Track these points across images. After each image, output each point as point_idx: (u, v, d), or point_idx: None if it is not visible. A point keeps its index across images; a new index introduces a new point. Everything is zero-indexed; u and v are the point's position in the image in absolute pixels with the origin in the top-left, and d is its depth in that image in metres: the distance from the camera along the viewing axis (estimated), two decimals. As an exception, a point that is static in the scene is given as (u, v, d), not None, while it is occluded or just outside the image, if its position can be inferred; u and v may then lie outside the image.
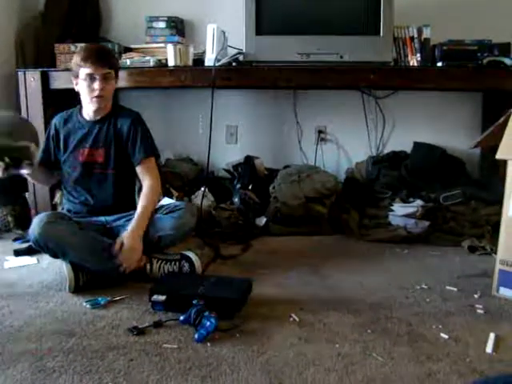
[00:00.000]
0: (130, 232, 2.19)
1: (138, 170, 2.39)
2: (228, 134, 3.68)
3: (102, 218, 2.37)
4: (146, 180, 2.36)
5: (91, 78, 2.28)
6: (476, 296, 2.08)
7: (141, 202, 2.29)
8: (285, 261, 2.55)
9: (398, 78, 2.91)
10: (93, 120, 2.40)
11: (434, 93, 3.32)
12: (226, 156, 3.57)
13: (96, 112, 2.38)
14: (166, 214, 2.35)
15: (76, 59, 2.32)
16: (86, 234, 2.21)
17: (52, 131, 2.45)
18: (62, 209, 2.55)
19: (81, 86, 2.33)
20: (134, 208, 2.31)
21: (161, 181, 2.46)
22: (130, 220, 2.29)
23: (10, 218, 3.02)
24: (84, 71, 2.28)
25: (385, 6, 2.84)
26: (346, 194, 3.18)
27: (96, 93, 2.29)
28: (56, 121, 2.46)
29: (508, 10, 3.22)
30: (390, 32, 2.90)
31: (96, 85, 2.28)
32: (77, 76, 2.32)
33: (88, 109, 2.38)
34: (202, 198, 2.93)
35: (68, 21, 3.42)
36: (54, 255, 2.20)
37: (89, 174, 2.39)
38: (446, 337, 1.74)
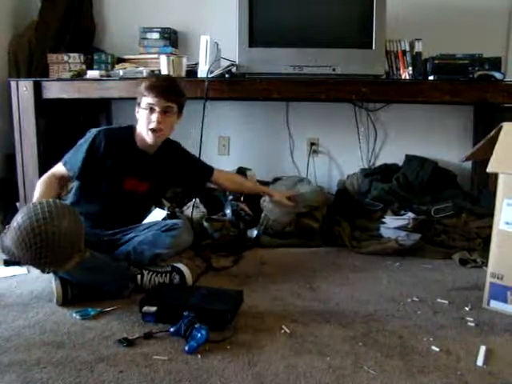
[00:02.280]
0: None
1: (214, 180, 2.68)
2: (220, 145, 3.69)
3: (98, 231, 2.34)
4: (226, 175, 2.78)
5: (151, 109, 2.26)
6: (467, 309, 2.09)
7: (247, 183, 2.87)
8: (276, 273, 2.54)
9: (390, 91, 2.92)
10: (146, 151, 2.38)
11: (425, 106, 3.35)
12: (217, 167, 3.55)
13: (151, 146, 2.36)
14: (164, 231, 2.34)
15: (141, 86, 2.29)
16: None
17: (94, 145, 2.30)
18: None
19: (141, 115, 2.30)
20: (136, 223, 2.40)
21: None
22: (126, 233, 2.35)
23: (0, 227, 3.00)
24: (146, 100, 2.26)
25: (377, 19, 2.87)
26: (337, 207, 3.19)
27: (152, 125, 2.26)
28: (100, 136, 2.32)
29: (498, 25, 3.27)
30: (382, 45, 2.93)
31: (154, 117, 2.25)
32: (139, 103, 2.30)
33: (143, 139, 2.34)
34: (193, 209, 2.92)
35: (61, 31, 3.42)
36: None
37: (123, 199, 2.38)
38: (437, 349, 1.74)
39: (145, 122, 2.28)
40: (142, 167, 2.38)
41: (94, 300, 2.11)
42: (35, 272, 2.47)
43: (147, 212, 2.54)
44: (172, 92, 2.30)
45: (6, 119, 3.17)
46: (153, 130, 2.27)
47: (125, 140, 2.36)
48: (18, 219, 1.89)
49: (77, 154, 2.31)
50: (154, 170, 2.41)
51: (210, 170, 2.66)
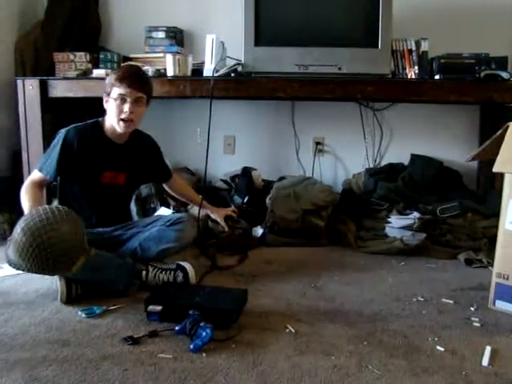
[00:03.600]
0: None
1: (168, 183, 2.74)
2: (226, 144, 3.69)
3: (100, 229, 2.36)
4: (180, 184, 2.81)
5: (123, 99, 2.26)
6: (472, 309, 2.08)
7: (195, 199, 2.80)
8: (281, 272, 2.55)
9: (395, 91, 2.92)
10: (117, 142, 2.38)
11: (431, 105, 3.34)
12: (223, 166, 3.58)
13: (122, 135, 2.37)
14: (169, 226, 2.36)
15: (111, 77, 2.30)
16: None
17: (66, 145, 2.29)
18: None
19: (110, 106, 2.30)
20: (129, 218, 2.46)
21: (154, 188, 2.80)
22: (128, 229, 2.37)
23: (6, 226, 3.01)
24: (116, 91, 2.26)
25: (383, 18, 2.86)
26: (342, 206, 3.18)
27: (124, 115, 2.27)
28: (70, 135, 2.31)
29: (505, 24, 3.25)
30: (388, 45, 2.92)
31: (126, 107, 2.26)
32: (108, 94, 2.30)
33: (113, 130, 2.35)
34: (200, 208, 2.92)
35: (68, 30, 3.43)
36: None
37: (103, 194, 2.38)
38: (442, 349, 1.74)
39: (116, 113, 2.28)
40: (116, 158, 2.39)
41: (99, 298, 2.12)
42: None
43: (129, 204, 2.65)
44: (143, 82, 2.32)
45: (12, 117, 3.19)
46: (124, 120, 2.28)
47: (95, 134, 2.36)
48: (18, 231, 1.89)
49: (50, 157, 2.30)
50: (127, 160, 2.41)
51: (169, 173, 2.73)
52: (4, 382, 1.52)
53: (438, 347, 1.75)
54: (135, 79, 2.28)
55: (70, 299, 2.11)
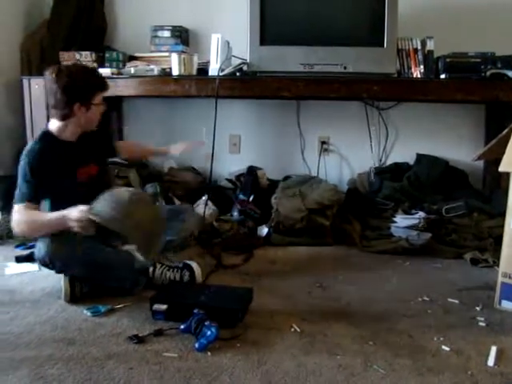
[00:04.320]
0: None
1: (120, 150, 2.65)
2: (231, 143, 3.69)
3: None
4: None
5: (98, 102, 2.27)
6: (478, 309, 2.07)
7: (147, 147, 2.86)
8: (287, 271, 2.55)
9: (401, 90, 2.91)
10: (73, 140, 2.32)
11: (437, 105, 3.33)
12: (228, 165, 3.58)
13: (77, 132, 2.33)
14: (170, 218, 2.35)
15: (91, 83, 2.24)
16: (95, 249, 2.18)
17: (35, 169, 2.19)
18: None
19: (94, 111, 2.27)
20: None
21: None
22: None
23: (11, 224, 3.01)
24: (100, 96, 2.26)
25: (389, 17, 2.85)
26: (348, 205, 3.18)
27: (97, 117, 2.31)
28: (34, 158, 2.21)
29: (511, 23, 3.24)
30: (393, 44, 2.91)
31: (102, 108, 2.31)
32: (88, 100, 2.23)
33: (74, 131, 2.29)
34: (205, 207, 2.93)
35: (73, 29, 3.44)
36: (62, 271, 2.15)
37: (84, 191, 2.30)
38: (448, 349, 1.74)
39: (97, 116, 2.31)
40: (80, 153, 2.32)
41: (104, 297, 2.13)
42: (46, 269, 2.48)
43: None
44: (107, 85, 2.33)
45: (18, 116, 3.20)
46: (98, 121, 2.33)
47: (51, 144, 2.27)
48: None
49: (29, 185, 2.18)
50: (88, 150, 2.35)
51: (117, 145, 2.68)
52: (10, 380, 1.53)
53: (444, 347, 1.75)
54: (107, 84, 2.32)
55: (74, 298, 2.11)
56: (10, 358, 1.66)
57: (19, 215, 2.15)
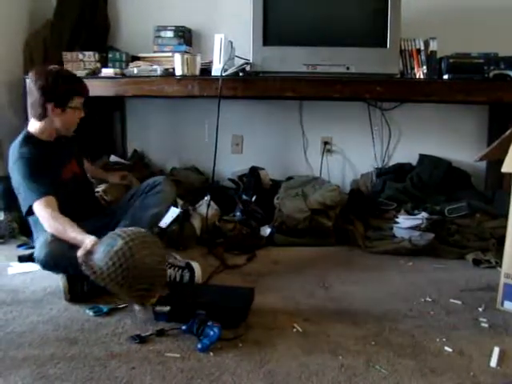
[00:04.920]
0: None
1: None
2: (234, 143, 3.69)
3: (91, 221, 2.33)
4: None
5: (79, 107, 2.33)
6: (480, 309, 2.07)
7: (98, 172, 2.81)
8: (289, 271, 2.54)
9: (404, 91, 2.91)
10: (52, 140, 2.38)
11: (440, 105, 3.33)
12: (231, 165, 3.58)
13: (54, 133, 2.38)
14: (148, 192, 2.43)
15: (69, 87, 2.28)
16: None
17: (33, 168, 2.22)
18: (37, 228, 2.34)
19: (70, 114, 2.31)
20: (102, 207, 2.54)
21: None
22: (114, 212, 2.48)
23: (14, 225, 3.02)
24: (78, 101, 2.31)
25: (392, 18, 2.85)
26: (350, 206, 3.17)
27: (78, 120, 2.35)
28: (26, 159, 2.23)
29: (515, 24, 3.24)
30: (396, 44, 2.91)
31: (80, 114, 2.35)
32: (65, 103, 2.28)
33: (50, 133, 2.35)
34: (208, 207, 2.93)
35: (76, 29, 3.44)
36: (63, 272, 2.15)
37: (70, 189, 2.38)
38: (450, 350, 1.74)
39: (73, 120, 2.35)
40: (61, 152, 2.39)
41: (106, 296, 2.12)
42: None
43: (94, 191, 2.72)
44: (87, 89, 2.38)
45: (21, 116, 3.20)
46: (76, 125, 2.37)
47: (35, 144, 2.30)
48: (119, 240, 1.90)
49: (38, 181, 2.19)
50: (67, 148, 2.43)
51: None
52: (13, 379, 1.53)
53: (446, 348, 1.75)
54: (87, 89, 2.36)
55: (74, 297, 2.11)
56: (12, 357, 1.67)
57: (45, 213, 2.13)
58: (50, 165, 2.29)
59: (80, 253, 1.96)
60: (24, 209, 2.24)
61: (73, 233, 2.07)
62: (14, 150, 2.28)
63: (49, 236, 2.13)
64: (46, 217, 2.13)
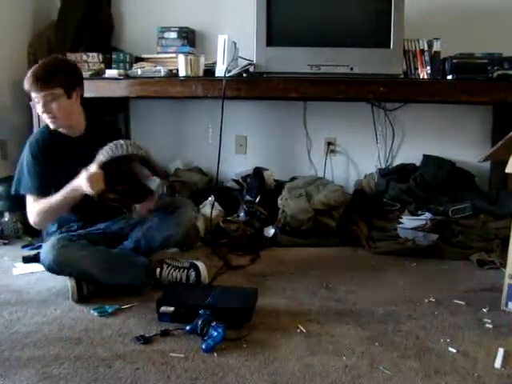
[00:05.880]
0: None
1: None
2: (237, 144, 3.69)
3: (102, 225, 2.35)
4: None
5: (37, 102, 2.18)
6: (485, 310, 2.07)
7: None
8: (293, 272, 2.54)
9: (407, 91, 2.91)
10: (73, 136, 2.31)
11: (443, 106, 3.32)
12: (234, 166, 3.58)
13: (72, 128, 2.30)
14: (168, 213, 2.34)
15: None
16: (100, 251, 2.20)
17: (35, 159, 2.23)
18: (47, 233, 2.39)
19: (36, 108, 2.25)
20: (122, 210, 2.40)
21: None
22: (129, 221, 2.37)
23: (19, 225, 3.04)
24: (32, 95, 2.19)
25: (395, 18, 2.85)
26: (354, 206, 3.18)
27: (44, 116, 2.21)
28: (37, 148, 2.25)
29: (519, 24, 3.23)
30: (400, 45, 2.91)
31: (39, 109, 2.19)
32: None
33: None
34: (212, 208, 2.94)
35: (80, 30, 3.45)
36: (68, 276, 2.16)
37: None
38: (454, 351, 1.73)
39: (41, 115, 2.24)
40: (81, 153, 2.20)
41: (111, 297, 2.14)
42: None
43: None
44: (44, 79, 2.14)
45: (25, 118, 3.21)
46: (49, 118, 2.21)
47: (51, 137, 2.28)
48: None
49: (34, 176, 2.21)
50: (90, 153, 2.16)
51: None
52: (18, 379, 1.54)
53: (450, 349, 1.74)
54: (34, 81, 2.14)
55: (81, 297, 2.12)
56: (17, 357, 1.67)
57: (31, 208, 2.21)
58: (63, 159, 2.26)
59: (87, 170, 2.01)
60: (16, 188, 2.27)
61: (54, 197, 2.11)
62: (32, 136, 2.31)
63: (56, 241, 2.13)
64: (29, 213, 2.21)
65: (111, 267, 2.17)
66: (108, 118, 2.40)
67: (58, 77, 2.17)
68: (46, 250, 2.13)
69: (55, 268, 2.13)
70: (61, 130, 2.28)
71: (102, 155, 2.03)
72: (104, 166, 2.02)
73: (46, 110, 2.18)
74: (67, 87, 2.20)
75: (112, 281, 2.17)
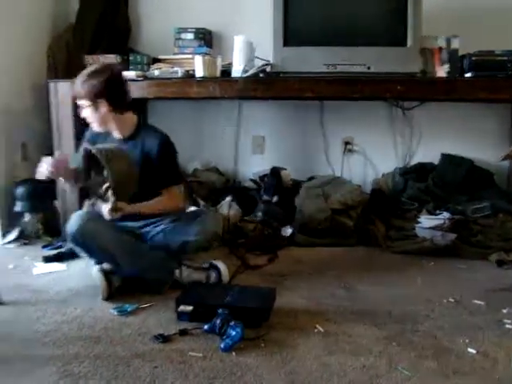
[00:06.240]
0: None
1: (164, 194, 2.37)
2: (254, 144, 3.70)
3: (130, 224, 2.39)
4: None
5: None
6: (504, 311, 2.04)
7: (156, 199, 2.33)
8: (310, 271, 2.55)
9: (425, 90, 2.89)
10: (120, 136, 2.40)
11: (462, 104, 3.29)
12: (252, 166, 3.59)
13: (121, 129, 2.38)
14: (191, 220, 2.37)
15: None
16: (124, 235, 2.28)
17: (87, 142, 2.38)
18: None
19: None
20: (159, 215, 2.37)
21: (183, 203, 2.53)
22: (157, 226, 2.36)
23: (39, 225, 3.08)
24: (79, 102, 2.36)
25: (412, 16, 2.83)
26: (372, 206, 3.16)
27: (87, 120, 2.37)
28: (89, 135, 2.47)
29: (539, 21, 3.19)
30: (417, 43, 2.89)
31: (82, 113, 2.36)
32: None
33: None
34: (229, 207, 2.95)
35: (98, 32, 3.48)
36: (89, 252, 2.23)
37: None
38: (474, 351, 1.72)
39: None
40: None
41: (131, 296, 2.17)
42: (74, 268, 2.53)
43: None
44: (75, 88, 2.34)
45: (44, 120, 3.24)
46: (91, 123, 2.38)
47: (104, 134, 2.43)
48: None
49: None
50: (131, 153, 2.31)
51: (162, 187, 2.36)
52: (39, 376, 1.56)
53: (470, 349, 1.73)
54: (77, 87, 2.33)
55: (110, 293, 2.17)
56: (38, 355, 1.70)
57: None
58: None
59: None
60: None
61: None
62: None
63: (85, 214, 2.23)
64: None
65: (132, 251, 2.24)
66: (164, 133, 2.42)
67: (85, 88, 2.30)
68: (73, 219, 2.19)
69: (78, 238, 2.17)
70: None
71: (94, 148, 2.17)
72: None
73: (83, 115, 2.35)
74: (91, 99, 2.29)
75: (131, 265, 2.21)
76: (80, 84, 2.30)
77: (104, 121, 2.34)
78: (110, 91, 2.30)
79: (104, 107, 2.29)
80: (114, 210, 2.12)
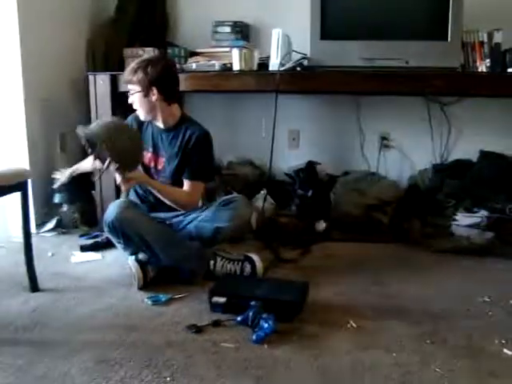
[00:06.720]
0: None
1: (184, 185, 2.41)
2: (290, 138, 3.69)
3: (162, 215, 2.42)
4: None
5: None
6: (543, 312, 2.01)
7: (175, 188, 2.39)
8: (344, 267, 2.54)
9: (465, 85, 2.83)
10: (163, 127, 2.44)
11: (502, 100, 3.22)
12: (286, 160, 3.58)
13: (165, 119, 2.42)
14: (223, 206, 2.39)
15: None
16: (160, 224, 2.34)
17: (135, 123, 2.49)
18: None
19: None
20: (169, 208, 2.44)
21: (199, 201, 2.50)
22: (188, 215, 2.40)
23: (77, 215, 3.14)
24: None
25: (454, 9, 2.77)
26: (408, 202, 3.13)
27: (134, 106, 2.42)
28: (133, 118, 2.50)
29: None
30: (458, 37, 2.83)
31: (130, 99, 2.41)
32: None
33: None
34: (264, 201, 2.95)
35: (136, 26, 3.52)
36: (126, 240, 2.26)
37: (150, 175, 2.44)
38: (510, 353, 1.69)
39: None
40: (158, 142, 2.45)
41: (164, 286, 2.20)
42: (109, 258, 2.58)
43: None
44: (128, 73, 2.36)
45: (84, 112, 3.30)
46: (135, 109, 2.42)
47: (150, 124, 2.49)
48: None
49: None
50: (167, 147, 2.42)
51: (185, 177, 2.40)
52: (75, 362, 1.60)
53: (505, 350, 1.70)
54: (125, 72, 2.40)
55: (145, 283, 2.21)
56: (75, 341, 1.74)
57: None
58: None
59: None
60: None
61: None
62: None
63: (122, 202, 2.30)
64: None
65: (167, 239, 2.29)
66: (205, 129, 2.45)
67: (139, 74, 2.33)
68: (111, 208, 2.25)
69: (116, 225, 2.21)
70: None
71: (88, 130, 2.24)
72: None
73: (131, 101, 2.39)
74: (144, 86, 2.32)
75: (167, 254, 2.25)
76: (134, 70, 2.34)
77: (152, 109, 2.38)
78: (164, 81, 2.34)
79: (154, 96, 2.33)
80: (125, 181, 2.18)
